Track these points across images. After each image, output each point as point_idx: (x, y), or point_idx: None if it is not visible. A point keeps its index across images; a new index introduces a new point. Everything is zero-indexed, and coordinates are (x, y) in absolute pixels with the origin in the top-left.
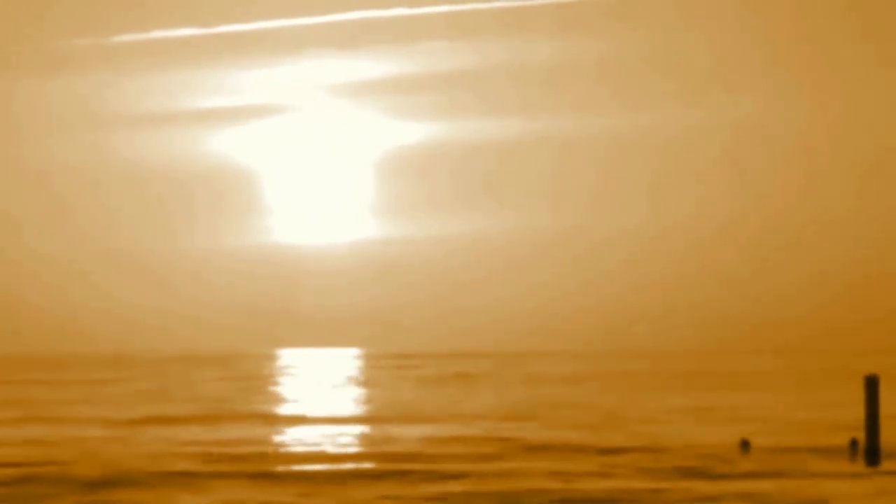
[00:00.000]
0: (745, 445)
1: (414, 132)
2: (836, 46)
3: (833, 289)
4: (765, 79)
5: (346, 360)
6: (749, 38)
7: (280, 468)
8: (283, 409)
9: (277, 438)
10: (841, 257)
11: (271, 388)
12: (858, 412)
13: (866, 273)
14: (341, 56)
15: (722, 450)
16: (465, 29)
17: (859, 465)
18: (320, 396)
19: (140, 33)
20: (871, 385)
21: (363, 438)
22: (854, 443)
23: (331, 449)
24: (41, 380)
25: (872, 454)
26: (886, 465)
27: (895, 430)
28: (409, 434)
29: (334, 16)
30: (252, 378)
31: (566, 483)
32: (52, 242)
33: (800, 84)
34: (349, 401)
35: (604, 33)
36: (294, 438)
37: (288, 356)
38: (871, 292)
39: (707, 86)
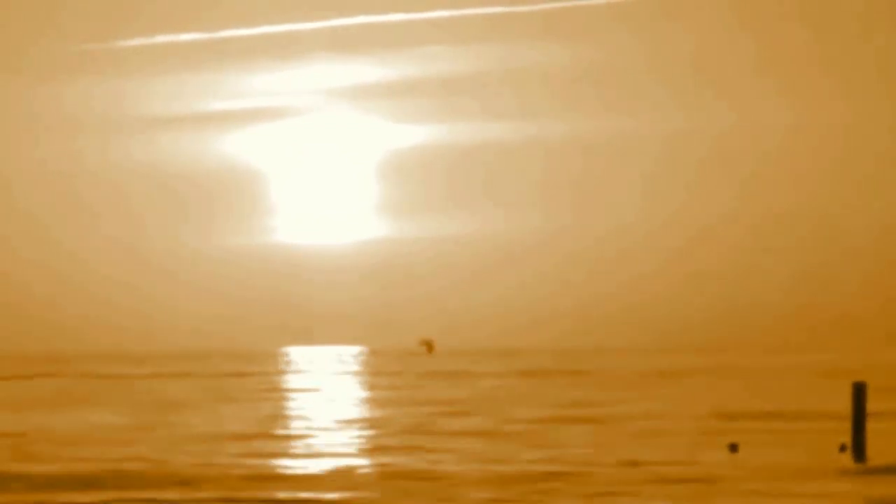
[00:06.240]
0: (733, 448)
1: (414, 135)
2: (826, 49)
3: (824, 288)
4: (753, 83)
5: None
6: (739, 42)
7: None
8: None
9: None
10: (832, 257)
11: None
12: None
13: (858, 273)
14: (342, 60)
15: None
16: (463, 34)
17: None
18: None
19: (145, 38)
20: (859, 392)
21: None
22: (843, 447)
23: None
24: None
25: (859, 452)
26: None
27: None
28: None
29: (334, 21)
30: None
31: None
32: (63, 242)
33: (789, 88)
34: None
35: (598, 39)
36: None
37: (303, 354)
38: (863, 292)
39: (697, 89)
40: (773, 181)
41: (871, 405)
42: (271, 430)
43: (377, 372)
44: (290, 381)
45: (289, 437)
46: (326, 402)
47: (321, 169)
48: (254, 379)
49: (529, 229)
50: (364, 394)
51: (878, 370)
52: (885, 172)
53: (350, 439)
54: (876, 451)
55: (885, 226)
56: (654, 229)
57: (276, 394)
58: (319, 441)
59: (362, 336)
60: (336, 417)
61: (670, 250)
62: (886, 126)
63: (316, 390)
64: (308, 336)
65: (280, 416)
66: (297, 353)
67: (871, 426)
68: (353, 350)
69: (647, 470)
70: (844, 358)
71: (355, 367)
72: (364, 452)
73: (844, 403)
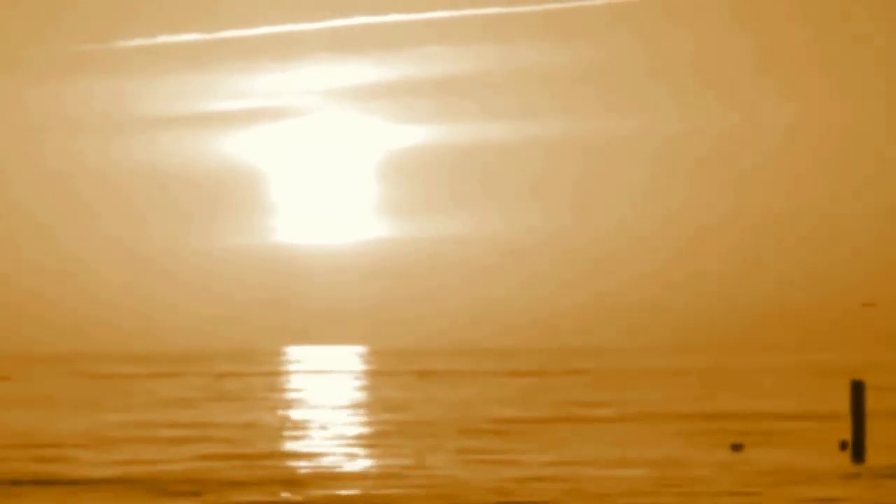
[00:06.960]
0: (736, 448)
1: (413, 135)
2: (826, 49)
3: (824, 288)
4: (753, 83)
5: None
6: (739, 42)
7: None
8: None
9: None
10: (832, 257)
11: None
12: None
13: (858, 273)
14: (342, 60)
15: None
16: (462, 34)
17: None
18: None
19: (145, 38)
20: (857, 389)
21: None
22: (844, 444)
23: None
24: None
25: (858, 450)
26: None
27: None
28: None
29: (334, 21)
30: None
31: None
32: (63, 242)
33: (789, 88)
34: None
35: (598, 39)
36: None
37: (303, 354)
38: (863, 292)
39: (697, 89)
40: (773, 181)
41: (870, 405)
42: (270, 430)
43: (377, 372)
44: (290, 381)
45: (288, 437)
46: (324, 402)
47: (321, 169)
48: (253, 379)
49: (529, 229)
50: (363, 394)
51: (878, 370)
52: (885, 172)
53: (349, 439)
54: (875, 449)
55: (885, 226)
56: (654, 229)
57: (276, 394)
58: (317, 441)
59: (362, 336)
60: (334, 417)
61: (670, 250)
62: (886, 126)
63: (313, 390)
64: (308, 336)
65: (279, 416)
66: (297, 353)
67: (870, 425)
68: (354, 350)
69: (648, 469)
70: (844, 358)
71: (355, 367)
72: (363, 452)
73: (844, 403)
